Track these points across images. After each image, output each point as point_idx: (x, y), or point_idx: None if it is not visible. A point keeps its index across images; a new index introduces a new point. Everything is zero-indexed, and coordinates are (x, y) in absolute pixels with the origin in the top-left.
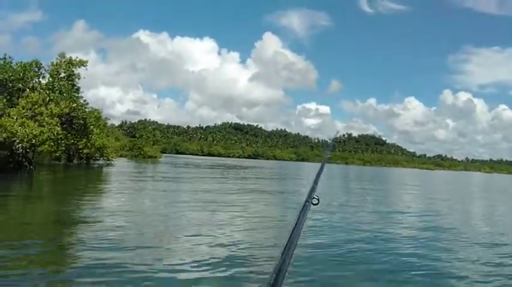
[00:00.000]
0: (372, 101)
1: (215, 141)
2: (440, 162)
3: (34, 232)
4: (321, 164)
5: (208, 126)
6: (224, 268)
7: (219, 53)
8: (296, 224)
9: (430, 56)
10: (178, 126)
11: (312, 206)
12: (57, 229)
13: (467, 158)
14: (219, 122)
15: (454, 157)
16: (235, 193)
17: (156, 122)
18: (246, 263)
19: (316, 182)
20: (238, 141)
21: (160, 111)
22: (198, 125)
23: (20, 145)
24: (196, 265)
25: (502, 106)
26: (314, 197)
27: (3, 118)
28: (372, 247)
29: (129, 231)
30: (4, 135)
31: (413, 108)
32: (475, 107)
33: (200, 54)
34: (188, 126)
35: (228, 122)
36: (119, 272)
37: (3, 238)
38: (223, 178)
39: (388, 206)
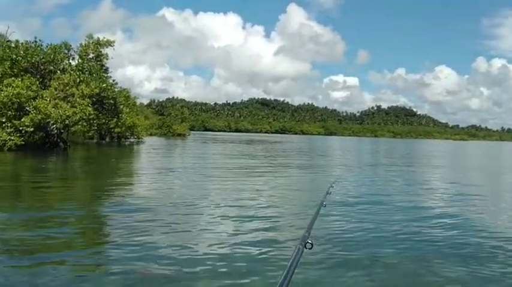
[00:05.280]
0: (401, 71)
1: (242, 117)
2: (474, 132)
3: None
4: (316, 209)
5: (235, 103)
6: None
7: (243, 28)
8: (287, 270)
9: (462, 22)
10: (206, 103)
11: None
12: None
13: (502, 127)
14: (246, 98)
15: (489, 127)
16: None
17: (184, 99)
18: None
19: (311, 225)
20: (265, 116)
21: (187, 89)
22: (225, 102)
23: (54, 125)
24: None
25: None
26: (308, 241)
27: (37, 100)
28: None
29: (160, 201)
30: (39, 117)
31: (444, 77)
32: (510, 74)
33: (224, 29)
34: (215, 103)
35: (254, 98)
36: (150, 237)
37: (42, 205)
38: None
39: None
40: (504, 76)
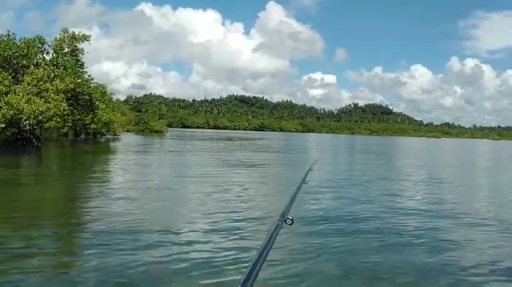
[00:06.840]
0: (378, 69)
1: (221, 114)
2: (448, 130)
3: (45, 205)
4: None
5: (213, 99)
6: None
7: (223, 24)
8: (266, 244)
9: (438, 22)
10: (184, 100)
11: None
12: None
13: (474, 125)
14: (224, 95)
15: (462, 125)
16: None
17: (162, 96)
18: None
19: (291, 201)
20: (244, 113)
21: (165, 85)
22: (204, 98)
23: (27, 121)
24: (202, 231)
25: (510, 71)
26: (288, 217)
27: (9, 95)
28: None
29: (137, 201)
30: (11, 112)
31: (420, 76)
32: (483, 73)
33: (203, 25)
34: (193, 100)
35: (233, 95)
36: (129, 240)
37: (17, 209)
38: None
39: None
40: (477, 75)
